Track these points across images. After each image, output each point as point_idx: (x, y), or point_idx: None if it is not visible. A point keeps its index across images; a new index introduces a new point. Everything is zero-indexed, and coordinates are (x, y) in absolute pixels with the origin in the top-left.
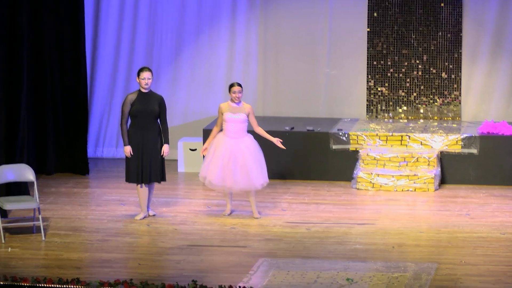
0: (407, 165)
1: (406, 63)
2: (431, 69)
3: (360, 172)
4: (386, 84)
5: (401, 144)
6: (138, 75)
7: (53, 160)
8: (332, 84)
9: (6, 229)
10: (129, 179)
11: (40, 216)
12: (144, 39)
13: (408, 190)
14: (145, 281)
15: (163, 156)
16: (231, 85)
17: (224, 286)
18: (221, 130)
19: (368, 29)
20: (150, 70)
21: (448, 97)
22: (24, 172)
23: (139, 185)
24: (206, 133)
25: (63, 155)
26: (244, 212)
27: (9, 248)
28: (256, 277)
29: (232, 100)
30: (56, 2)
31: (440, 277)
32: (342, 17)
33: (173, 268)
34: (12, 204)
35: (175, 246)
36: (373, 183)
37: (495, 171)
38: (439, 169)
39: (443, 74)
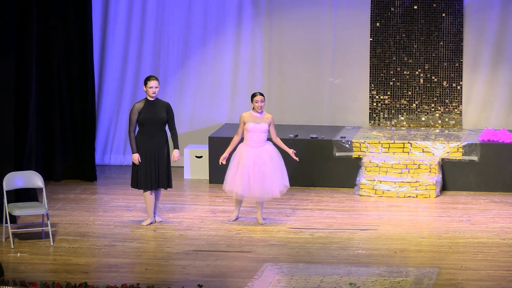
0: (409, 172)
1: (408, 72)
2: (433, 78)
3: (363, 178)
4: (388, 93)
5: (403, 151)
6: (145, 83)
7: (61, 167)
8: (336, 92)
9: (15, 235)
10: (138, 185)
11: (48, 222)
12: (151, 48)
13: (410, 197)
14: (152, 285)
15: (174, 161)
16: (254, 95)
17: None
18: (241, 139)
19: (371, 39)
20: (157, 79)
21: (449, 106)
22: (33, 179)
23: (146, 192)
24: (212, 141)
25: (71, 162)
26: (249, 218)
27: (18, 253)
28: (261, 282)
29: (254, 110)
30: (65, 12)
31: (441, 282)
32: (346, 27)
33: (179, 273)
34: (21, 210)
35: (181, 251)
36: (375, 190)
37: (496, 178)
38: (441, 175)
39: (444, 83)
